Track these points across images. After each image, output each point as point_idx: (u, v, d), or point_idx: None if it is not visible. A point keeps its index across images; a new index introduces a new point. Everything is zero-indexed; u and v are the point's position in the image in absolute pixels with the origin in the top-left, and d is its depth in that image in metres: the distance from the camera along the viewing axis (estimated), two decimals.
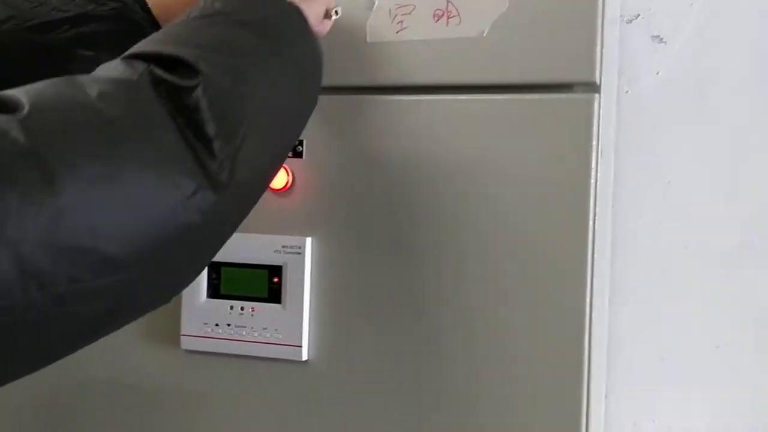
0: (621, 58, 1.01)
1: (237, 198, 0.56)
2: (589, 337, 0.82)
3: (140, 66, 0.55)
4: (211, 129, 0.54)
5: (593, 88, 0.81)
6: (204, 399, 0.92)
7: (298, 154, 0.89)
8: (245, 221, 0.89)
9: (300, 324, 0.88)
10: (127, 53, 0.58)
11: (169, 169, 0.51)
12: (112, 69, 0.56)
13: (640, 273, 1.03)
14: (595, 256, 0.82)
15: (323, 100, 0.86)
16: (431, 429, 0.86)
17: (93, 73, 0.56)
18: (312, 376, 0.89)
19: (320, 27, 0.79)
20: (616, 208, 1.01)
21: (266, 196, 0.88)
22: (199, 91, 0.54)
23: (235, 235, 0.89)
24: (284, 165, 0.88)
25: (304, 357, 0.89)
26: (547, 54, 0.82)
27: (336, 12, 0.81)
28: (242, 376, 0.91)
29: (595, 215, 0.81)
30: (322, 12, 0.79)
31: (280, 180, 0.88)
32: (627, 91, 1.02)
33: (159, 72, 0.55)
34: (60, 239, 0.45)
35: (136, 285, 0.52)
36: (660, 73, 1.01)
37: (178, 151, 0.52)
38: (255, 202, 0.65)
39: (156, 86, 0.54)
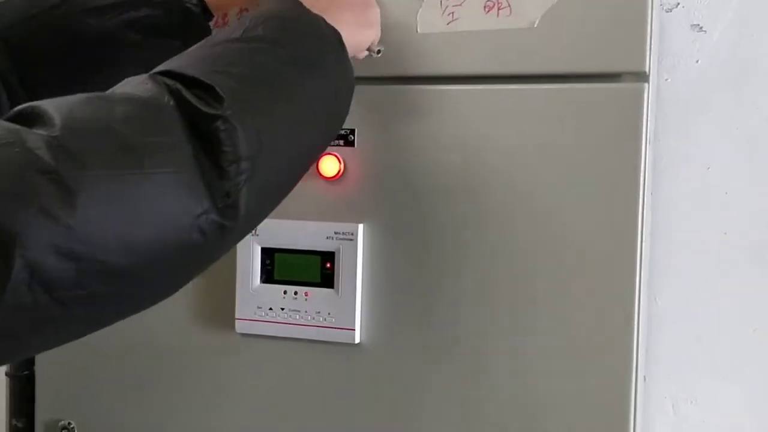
0: (660, 47, 1.02)
1: (240, 225, 0.59)
2: (638, 320, 0.84)
3: (168, 86, 0.57)
4: (226, 159, 0.56)
5: (642, 77, 0.83)
6: (258, 381, 0.95)
7: (350, 143, 0.91)
8: (299, 209, 0.92)
9: (353, 308, 0.91)
10: (159, 69, 0.60)
11: (182, 191, 0.54)
12: (141, 87, 0.57)
13: (678, 258, 1.05)
14: (644, 243, 0.84)
15: (374, 90, 0.89)
16: (482, 411, 0.88)
17: (123, 86, 0.58)
18: (364, 358, 0.92)
19: (357, 55, 0.80)
20: (656, 195, 1.03)
21: (318, 183, 0.91)
22: (220, 122, 0.56)
23: (289, 222, 0.92)
24: (336, 153, 0.91)
25: (357, 340, 0.91)
26: (597, 44, 0.83)
27: (378, 51, 0.82)
28: (295, 359, 0.94)
29: (644, 203, 0.84)
30: (366, 44, 0.80)
31: (332, 168, 0.91)
32: (667, 79, 1.03)
33: (187, 95, 0.56)
34: (72, 250, 0.48)
35: (135, 293, 0.56)
36: (699, 62, 1.03)
37: (192, 175, 0.54)
38: (256, 227, 0.68)
39: (181, 108, 0.56)
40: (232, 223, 0.57)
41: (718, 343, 1.05)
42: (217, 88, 0.57)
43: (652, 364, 1.06)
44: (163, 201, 0.53)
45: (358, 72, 0.89)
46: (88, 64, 0.79)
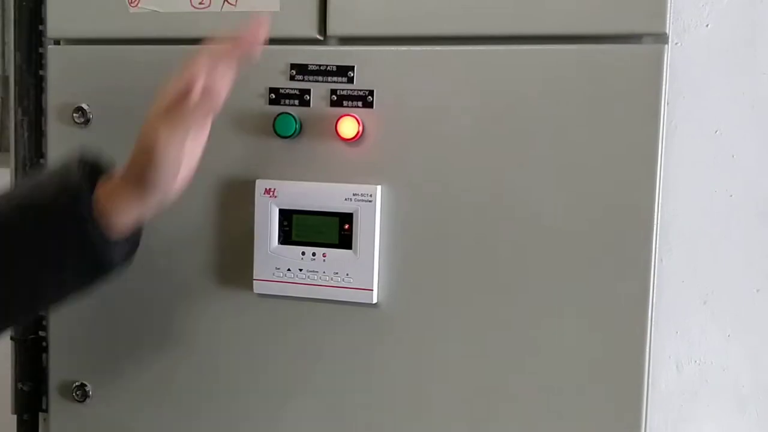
0: (671, 11, 1.03)
1: None
2: (654, 279, 0.86)
3: None
4: None
5: (662, 39, 0.84)
6: (275, 342, 0.96)
7: (369, 104, 0.91)
8: (317, 170, 0.92)
9: (371, 268, 0.91)
10: None
11: None
12: None
13: (685, 218, 1.07)
14: (660, 202, 0.86)
15: (393, 50, 0.89)
16: (497, 370, 0.90)
17: None
18: (382, 318, 0.93)
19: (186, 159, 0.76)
20: (665, 157, 1.04)
21: (337, 145, 0.91)
22: None
23: (307, 184, 0.93)
24: (355, 115, 0.91)
25: (375, 300, 0.92)
26: (618, 5, 0.84)
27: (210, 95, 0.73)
28: (313, 320, 0.94)
29: (661, 164, 0.85)
30: (182, 144, 0.75)
31: (350, 129, 0.90)
32: (677, 43, 1.04)
33: None
34: None
35: None
36: (709, 26, 1.04)
37: None
38: None
39: None
40: None
41: (722, 303, 1.07)
42: None
43: (656, 324, 1.08)
44: None
45: (374, 31, 0.89)
46: None
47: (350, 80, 0.91)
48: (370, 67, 0.90)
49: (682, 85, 1.04)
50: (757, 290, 1.06)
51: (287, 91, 0.93)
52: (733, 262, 1.06)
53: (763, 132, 1.04)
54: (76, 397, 1.02)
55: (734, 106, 1.04)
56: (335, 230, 0.92)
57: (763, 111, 1.03)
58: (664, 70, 0.84)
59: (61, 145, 1.02)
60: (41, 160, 1.12)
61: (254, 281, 0.94)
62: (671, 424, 1.09)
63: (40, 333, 1.14)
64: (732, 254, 1.06)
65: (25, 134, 1.12)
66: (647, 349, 0.87)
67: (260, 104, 0.93)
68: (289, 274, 0.93)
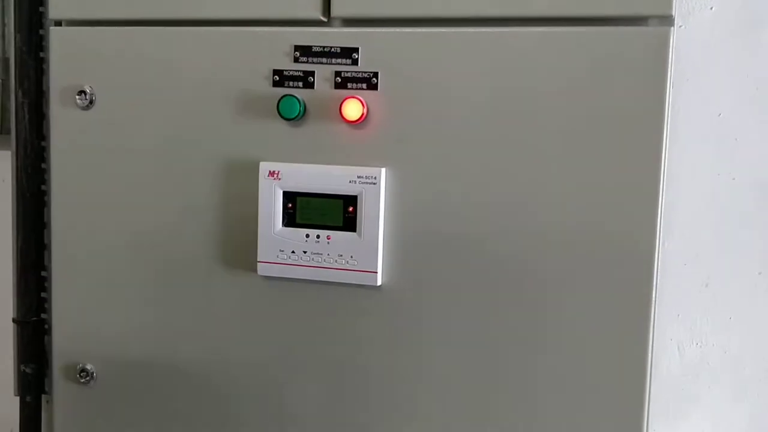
0: None
1: None
2: (658, 261, 0.86)
3: None
4: None
5: (668, 21, 0.84)
6: (280, 324, 0.96)
7: (373, 86, 0.91)
8: (321, 152, 0.92)
9: (375, 251, 0.91)
10: None
11: None
12: None
13: (688, 202, 1.07)
14: (665, 185, 0.86)
15: (398, 32, 0.88)
16: (500, 351, 0.90)
17: None
18: (386, 300, 0.93)
19: None
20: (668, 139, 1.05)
21: (341, 127, 0.91)
22: None
23: (311, 167, 0.92)
24: (359, 97, 0.90)
25: (379, 282, 0.92)
26: None
27: None
28: (317, 302, 0.95)
29: (666, 146, 0.85)
30: None
31: (355, 112, 0.90)
32: (681, 26, 1.04)
33: None
34: None
35: None
36: (713, 8, 1.04)
37: None
38: None
39: None
40: None
41: (724, 286, 1.07)
42: None
43: (658, 307, 1.09)
44: None
45: (379, 12, 0.89)
46: None
47: (355, 62, 0.90)
48: (374, 49, 0.90)
49: (685, 67, 1.04)
50: (759, 273, 1.07)
51: (291, 73, 0.92)
52: (735, 245, 1.07)
53: (765, 115, 1.04)
54: (80, 379, 1.02)
55: (738, 89, 1.04)
56: (339, 213, 0.92)
57: (766, 94, 1.03)
58: (670, 52, 0.83)
59: (64, 128, 1.01)
60: (42, 143, 1.12)
61: (258, 263, 0.94)
62: (673, 406, 1.10)
63: (42, 315, 1.14)
64: (734, 237, 1.07)
65: (26, 117, 1.11)
66: (650, 332, 0.87)
67: (264, 86, 0.93)
68: (293, 256, 0.93)
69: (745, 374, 1.08)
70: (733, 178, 1.06)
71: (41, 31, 1.10)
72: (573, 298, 0.88)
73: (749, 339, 1.08)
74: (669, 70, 0.84)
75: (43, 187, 1.12)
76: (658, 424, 1.10)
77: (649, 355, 0.87)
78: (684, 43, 1.04)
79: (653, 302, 0.87)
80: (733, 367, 1.08)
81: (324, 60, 0.91)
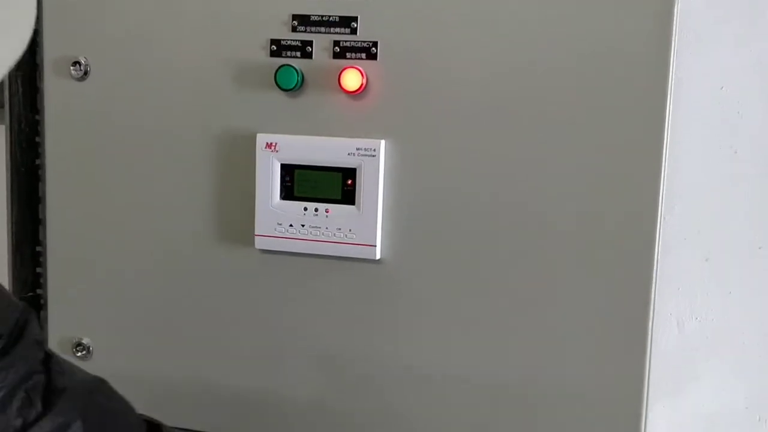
0: None
1: None
2: (659, 235, 0.85)
3: None
4: None
5: None
6: (277, 298, 0.95)
7: (372, 56, 0.89)
8: (319, 124, 0.91)
9: (374, 224, 0.90)
10: None
11: None
12: None
13: (689, 175, 1.06)
14: (667, 156, 0.85)
15: (398, 1, 0.87)
16: (500, 325, 0.90)
17: None
18: (385, 274, 0.92)
19: None
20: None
21: (340, 98, 0.90)
22: None
23: (309, 138, 0.91)
24: (358, 67, 0.89)
25: (378, 256, 0.91)
26: None
27: None
28: (315, 276, 0.94)
29: (669, 118, 0.84)
30: None
31: (354, 82, 0.89)
32: None
33: None
34: None
35: None
36: None
37: None
38: None
39: None
40: None
41: (724, 260, 1.07)
42: None
43: (658, 281, 1.08)
44: None
45: None
46: None
47: (353, 31, 0.89)
48: (373, 18, 0.89)
49: (687, 40, 1.03)
50: (759, 248, 1.06)
51: (289, 42, 0.91)
52: (735, 219, 1.06)
53: (767, 88, 1.03)
54: (76, 353, 1.01)
55: (739, 62, 1.03)
56: (338, 185, 0.91)
57: None
58: (674, 19, 0.82)
59: (58, 100, 1.00)
60: (36, 117, 1.10)
61: (256, 237, 0.93)
62: (672, 380, 1.09)
63: (38, 291, 1.13)
64: (735, 212, 1.06)
65: (20, 90, 1.09)
66: (651, 307, 0.86)
67: (261, 56, 0.92)
68: (291, 230, 0.92)
69: (744, 349, 1.08)
70: (735, 152, 1.05)
71: None
72: (574, 272, 0.87)
73: (749, 314, 1.07)
74: (673, 37, 0.83)
75: (37, 162, 1.11)
76: (658, 398, 1.09)
77: (650, 329, 0.87)
78: (686, 14, 1.03)
79: (654, 277, 0.86)
80: (733, 341, 1.08)
81: (322, 29, 0.90)
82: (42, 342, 0.72)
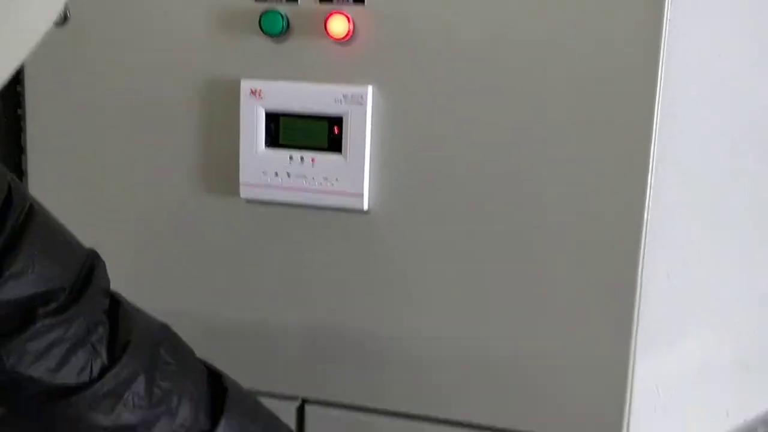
0: None
1: None
2: (650, 188, 0.84)
3: None
4: None
5: None
6: (263, 248, 0.94)
7: (360, 1, 0.87)
8: (305, 70, 0.88)
9: (361, 173, 0.89)
10: None
11: None
12: None
13: (681, 138, 1.04)
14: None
15: None
16: (489, 277, 0.89)
17: None
18: (372, 225, 0.91)
19: None
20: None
21: (326, 44, 0.88)
22: None
23: (295, 85, 0.89)
24: (345, 12, 0.87)
25: (365, 206, 0.90)
26: None
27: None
28: (302, 226, 0.92)
29: (661, 82, 0.82)
30: None
31: (341, 28, 0.87)
32: None
33: None
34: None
35: None
36: None
37: None
38: None
39: None
40: None
41: (715, 217, 1.06)
42: None
43: (648, 234, 1.07)
44: None
45: None
46: None
47: None
48: None
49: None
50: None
51: None
52: (728, 180, 1.05)
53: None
54: None
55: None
56: (324, 133, 0.89)
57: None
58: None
59: (38, 46, 0.97)
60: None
61: (241, 186, 0.92)
62: (661, 332, 1.09)
63: None
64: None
65: None
66: (640, 259, 0.85)
67: (246, 0, 0.89)
68: (276, 179, 0.91)
69: (733, 302, 1.07)
70: (730, 118, 1.03)
71: None
72: (565, 224, 0.86)
73: (741, 265, 1.07)
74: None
75: (18, 111, 1.09)
76: (646, 351, 1.09)
77: (639, 281, 0.86)
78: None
79: (644, 228, 0.85)
80: (723, 295, 1.08)
81: None
82: (108, 290, 0.71)
